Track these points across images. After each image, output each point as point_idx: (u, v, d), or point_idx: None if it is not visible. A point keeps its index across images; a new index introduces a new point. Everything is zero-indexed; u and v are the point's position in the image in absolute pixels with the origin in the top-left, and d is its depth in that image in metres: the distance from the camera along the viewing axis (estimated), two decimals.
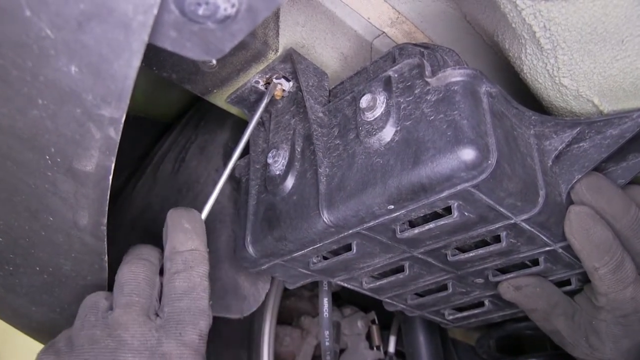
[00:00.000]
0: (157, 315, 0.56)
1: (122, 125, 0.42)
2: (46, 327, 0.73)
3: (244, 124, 0.77)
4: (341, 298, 1.19)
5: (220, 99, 0.73)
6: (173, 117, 1.10)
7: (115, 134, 0.43)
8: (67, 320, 0.70)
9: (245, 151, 0.73)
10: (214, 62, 0.64)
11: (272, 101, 0.71)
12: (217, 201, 0.83)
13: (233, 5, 0.36)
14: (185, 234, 0.58)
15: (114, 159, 0.45)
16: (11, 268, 0.63)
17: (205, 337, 0.56)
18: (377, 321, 1.13)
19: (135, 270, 0.57)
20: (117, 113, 0.41)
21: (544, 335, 0.76)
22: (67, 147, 0.45)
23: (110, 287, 0.60)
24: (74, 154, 0.46)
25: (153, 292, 0.57)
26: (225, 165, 0.84)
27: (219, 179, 0.64)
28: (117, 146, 0.44)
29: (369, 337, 1.12)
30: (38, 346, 0.78)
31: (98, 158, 0.45)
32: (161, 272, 0.59)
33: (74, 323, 0.57)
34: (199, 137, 0.93)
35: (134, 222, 0.91)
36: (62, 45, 0.37)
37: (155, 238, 0.85)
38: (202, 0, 0.36)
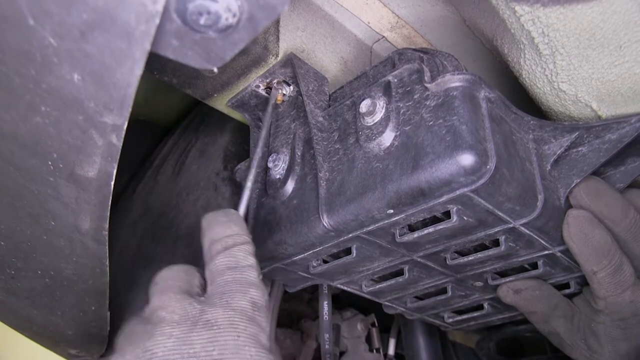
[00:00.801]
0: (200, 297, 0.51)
1: (124, 132, 0.43)
2: (47, 330, 0.73)
3: (244, 127, 0.77)
4: (341, 301, 1.19)
5: (221, 103, 0.74)
6: (173, 121, 1.10)
7: (117, 141, 0.43)
8: (68, 323, 0.70)
9: (246, 155, 0.74)
10: (215, 69, 0.65)
11: (273, 105, 0.71)
12: (217, 205, 0.83)
13: (234, 15, 0.36)
14: (222, 225, 0.55)
15: (116, 165, 0.46)
16: (13, 272, 0.63)
17: (262, 308, 0.49)
18: (376, 324, 1.14)
19: (170, 267, 0.54)
20: (120, 120, 0.41)
21: (543, 338, 0.76)
22: (69, 154, 0.46)
23: (112, 292, 0.58)
24: (76, 160, 0.46)
25: (192, 280, 0.52)
26: (226, 168, 0.85)
27: (246, 179, 0.63)
28: (119, 152, 0.44)
29: (368, 339, 1.13)
30: (38, 348, 0.78)
31: (100, 164, 0.46)
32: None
33: None
34: (199, 140, 0.94)
35: (134, 225, 0.91)
36: (65, 53, 0.38)
37: (155, 241, 0.86)
38: (204, 10, 0.36)
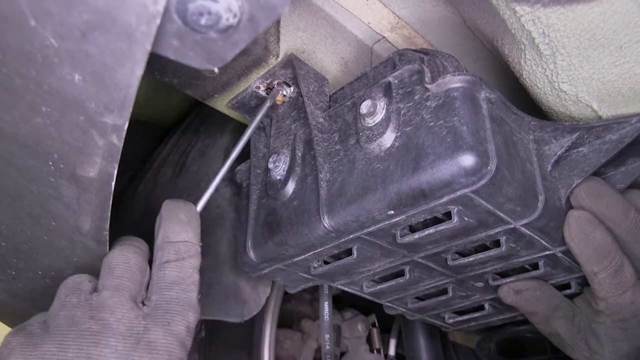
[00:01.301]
0: (144, 304, 0.54)
1: (124, 132, 0.43)
2: None
3: (245, 128, 0.77)
4: (342, 301, 1.19)
5: (221, 103, 0.74)
6: (174, 121, 1.10)
7: (118, 141, 0.43)
8: None
9: (247, 156, 0.74)
10: (216, 69, 0.65)
11: (273, 106, 0.71)
12: (217, 205, 0.83)
13: (235, 15, 0.36)
14: (180, 225, 0.57)
15: (116, 166, 0.46)
16: (13, 272, 0.63)
17: (192, 332, 0.53)
18: (377, 324, 1.14)
19: (127, 254, 0.55)
20: (120, 120, 0.41)
21: (544, 338, 0.76)
22: (70, 154, 0.46)
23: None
24: (77, 160, 0.46)
25: (143, 280, 0.55)
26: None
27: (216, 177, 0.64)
28: (120, 153, 0.45)
29: (369, 340, 1.13)
30: None
31: (101, 164, 0.46)
32: (150, 264, 0.57)
33: (52, 304, 0.53)
34: (199, 141, 0.94)
35: (134, 226, 0.91)
36: (66, 54, 0.38)
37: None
38: (205, 10, 0.36)
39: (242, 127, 0.82)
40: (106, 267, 0.54)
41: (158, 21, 0.35)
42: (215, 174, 0.85)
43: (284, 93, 0.70)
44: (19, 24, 0.36)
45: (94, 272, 0.59)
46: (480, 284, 0.73)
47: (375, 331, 1.13)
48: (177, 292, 0.53)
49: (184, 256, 0.55)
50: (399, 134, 0.55)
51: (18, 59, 0.39)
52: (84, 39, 0.36)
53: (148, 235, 0.88)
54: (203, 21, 0.37)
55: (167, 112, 1.08)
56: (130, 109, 0.41)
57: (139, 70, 0.38)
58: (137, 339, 0.49)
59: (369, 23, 0.75)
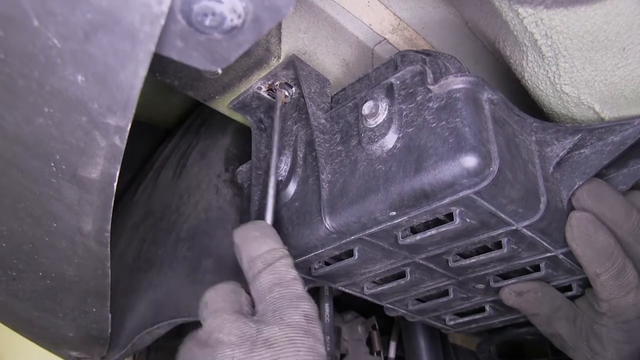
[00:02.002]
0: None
1: (127, 134, 0.43)
2: (49, 332, 0.73)
3: (246, 129, 0.77)
4: (342, 303, 1.19)
5: (223, 105, 0.74)
6: (174, 123, 1.10)
7: (120, 142, 0.43)
8: (69, 325, 0.70)
9: (247, 157, 0.74)
10: (219, 70, 0.65)
11: (275, 107, 0.71)
12: (218, 207, 0.83)
13: (239, 16, 0.36)
14: (256, 240, 0.56)
15: (118, 167, 0.46)
16: (14, 273, 0.63)
17: (315, 319, 0.51)
18: (377, 326, 1.13)
19: (214, 287, 0.54)
20: (123, 122, 0.41)
21: (544, 340, 0.76)
22: (72, 155, 0.46)
23: (113, 294, 0.58)
24: (79, 161, 0.46)
25: (241, 299, 0.53)
26: (227, 170, 0.85)
27: (267, 184, 0.62)
28: (122, 154, 0.44)
29: (369, 342, 1.12)
30: (39, 349, 0.78)
31: (103, 165, 0.46)
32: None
33: None
34: (200, 142, 0.94)
35: (135, 228, 0.91)
36: (68, 54, 0.37)
37: (156, 244, 0.86)
38: (209, 11, 0.36)
39: (243, 129, 0.82)
40: (201, 307, 0.53)
41: (162, 22, 0.35)
42: (216, 175, 0.85)
43: (286, 94, 0.70)
44: (22, 24, 0.36)
45: (95, 273, 0.59)
46: (481, 286, 0.73)
47: (375, 333, 1.13)
48: (279, 290, 0.52)
49: (271, 262, 0.54)
50: (401, 135, 0.55)
51: (21, 59, 0.39)
52: (87, 39, 0.36)
53: (148, 236, 0.88)
54: (207, 22, 0.36)
55: (167, 114, 1.08)
56: (134, 110, 0.41)
57: (143, 71, 0.38)
58: (253, 341, 0.48)
59: (370, 25, 0.75)
